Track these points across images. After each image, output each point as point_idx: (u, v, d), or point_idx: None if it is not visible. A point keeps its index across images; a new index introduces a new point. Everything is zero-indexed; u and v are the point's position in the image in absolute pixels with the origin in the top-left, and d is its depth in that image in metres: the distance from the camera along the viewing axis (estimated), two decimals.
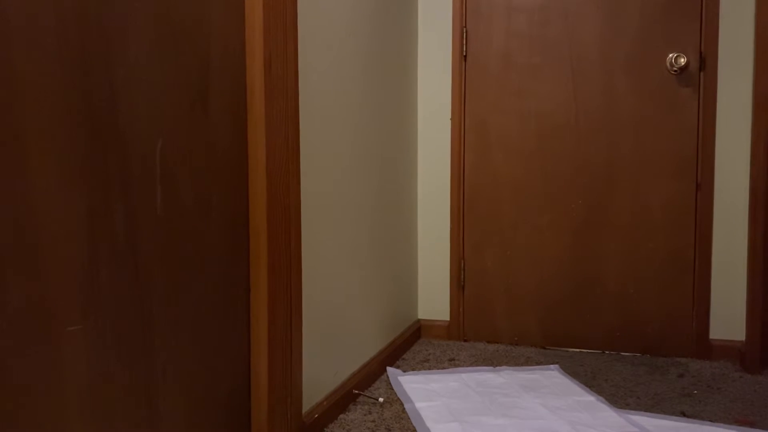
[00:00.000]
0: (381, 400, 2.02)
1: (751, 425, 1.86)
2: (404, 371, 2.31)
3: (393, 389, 2.11)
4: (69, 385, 1.02)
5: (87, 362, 1.05)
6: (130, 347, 1.15)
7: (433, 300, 2.79)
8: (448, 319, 2.76)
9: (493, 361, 2.44)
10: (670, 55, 2.45)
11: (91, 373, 1.06)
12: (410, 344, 2.64)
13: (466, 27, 2.68)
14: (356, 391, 2.01)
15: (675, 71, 2.46)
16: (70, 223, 1.02)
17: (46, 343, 0.98)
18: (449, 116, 2.71)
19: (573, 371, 2.33)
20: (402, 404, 1.98)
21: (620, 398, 2.06)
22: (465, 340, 2.74)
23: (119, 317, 1.12)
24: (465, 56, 2.69)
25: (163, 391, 1.24)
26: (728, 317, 2.44)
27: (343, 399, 1.93)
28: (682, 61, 2.41)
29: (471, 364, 2.41)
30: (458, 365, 2.40)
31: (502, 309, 2.70)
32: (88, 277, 1.05)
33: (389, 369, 2.29)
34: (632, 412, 1.93)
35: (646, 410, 1.96)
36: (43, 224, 0.97)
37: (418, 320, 2.79)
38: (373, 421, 1.87)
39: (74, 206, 1.03)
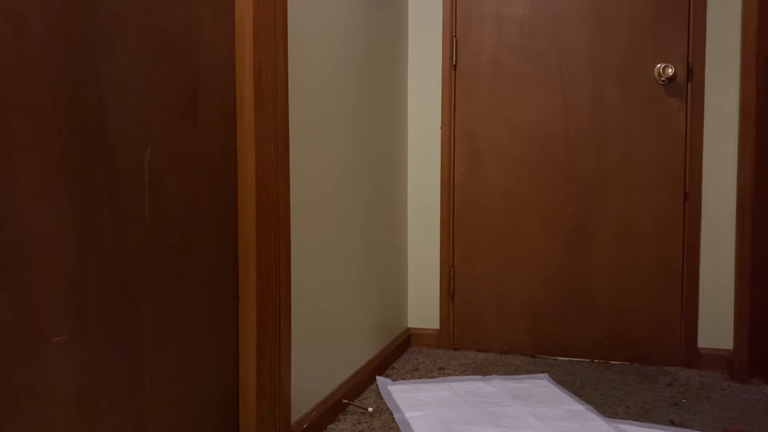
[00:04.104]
0: (370, 409, 2.01)
1: None
2: (394, 380, 2.31)
3: (382, 398, 2.11)
4: (55, 396, 1.01)
5: (73, 373, 1.04)
6: (117, 357, 1.14)
7: (423, 309, 2.79)
8: (437, 327, 2.76)
9: (482, 370, 2.44)
10: (658, 66, 2.48)
11: (77, 384, 1.05)
12: (400, 353, 2.63)
13: (455, 36, 2.69)
14: (345, 401, 2.00)
15: (663, 81, 2.48)
16: (56, 232, 1.01)
17: (32, 354, 0.97)
18: (439, 125, 2.72)
19: (562, 380, 2.33)
20: (391, 414, 1.98)
21: (609, 407, 2.07)
22: (455, 349, 2.74)
23: (106, 326, 1.11)
24: (455, 65, 2.70)
25: (151, 402, 1.23)
26: (716, 326, 2.46)
27: (333, 409, 1.92)
28: (670, 71, 2.43)
29: (461, 373, 2.40)
30: (448, 374, 2.40)
31: (491, 317, 2.70)
32: (75, 287, 1.05)
33: (379, 378, 2.29)
34: (621, 421, 1.94)
35: (635, 419, 1.97)
36: (29, 233, 0.96)
37: (408, 329, 2.79)
38: (363, 431, 1.86)
39: (61, 215, 1.02)
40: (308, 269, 1.80)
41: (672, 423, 1.94)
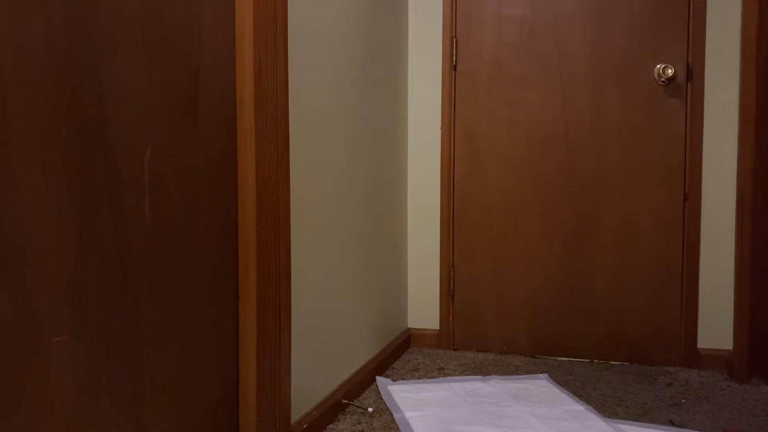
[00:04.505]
0: (370, 410, 2.01)
1: None
2: (394, 380, 2.31)
3: (382, 399, 2.11)
4: (55, 395, 1.01)
5: (73, 373, 1.05)
6: (116, 357, 1.14)
7: (423, 309, 2.79)
8: (437, 327, 2.76)
9: (482, 370, 2.44)
10: (658, 66, 2.48)
11: (77, 384, 1.05)
12: (400, 353, 2.64)
13: (456, 36, 2.70)
14: (345, 401, 2.01)
15: (663, 82, 2.48)
16: (57, 233, 1.01)
17: (32, 354, 0.97)
18: (439, 125, 2.72)
19: (562, 380, 2.33)
20: (391, 414, 1.98)
21: (609, 407, 2.07)
22: (455, 349, 2.74)
23: (106, 327, 1.12)
24: (455, 65, 2.70)
25: (150, 402, 1.23)
26: (716, 326, 2.46)
27: (332, 409, 1.92)
28: (670, 72, 2.43)
29: (460, 373, 2.41)
30: (448, 374, 2.40)
31: (491, 318, 2.70)
32: (75, 287, 1.05)
33: (379, 378, 2.29)
34: (621, 421, 1.94)
35: (634, 419, 1.97)
36: (29, 233, 0.97)
37: (408, 329, 2.79)
38: (363, 431, 1.86)
39: (61, 215, 1.02)
40: (308, 269, 1.80)
41: (672, 423, 1.94)
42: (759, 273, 2.35)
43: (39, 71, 0.98)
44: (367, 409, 2.01)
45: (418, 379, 2.34)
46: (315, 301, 1.85)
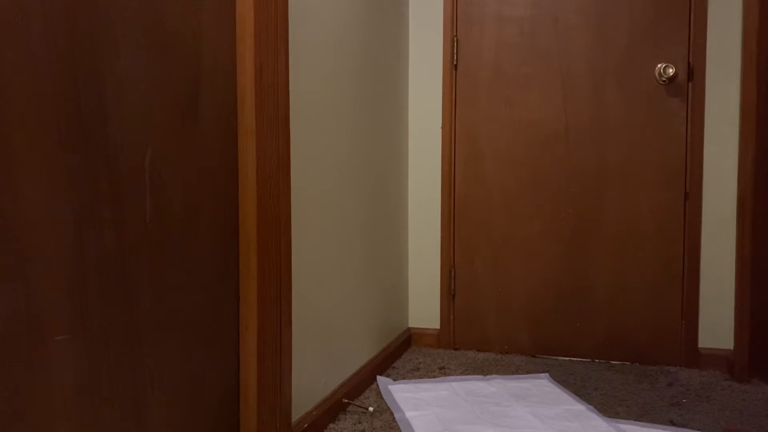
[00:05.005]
0: (371, 409, 2.01)
1: None
2: (394, 380, 2.31)
3: (383, 398, 2.11)
4: (56, 394, 1.01)
5: (74, 372, 1.05)
6: (118, 357, 1.14)
7: (424, 308, 2.79)
8: (438, 327, 2.76)
9: (483, 370, 2.44)
10: (659, 66, 2.48)
11: (78, 383, 1.06)
12: (401, 353, 2.64)
13: (456, 36, 2.70)
14: (346, 401, 2.01)
15: (664, 81, 2.48)
16: (58, 232, 1.01)
17: (34, 353, 0.97)
18: (440, 125, 2.72)
19: (563, 380, 2.34)
20: (392, 414, 1.98)
21: (610, 407, 2.07)
22: (455, 349, 2.74)
23: (107, 326, 1.12)
24: (455, 65, 2.70)
25: (151, 401, 1.23)
26: (717, 326, 2.46)
27: (333, 408, 1.92)
28: (671, 71, 2.43)
29: (461, 373, 2.41)
30: (448, 374, 2.40)
31: (492, 317, 2.70)
32: (77, 287, 1.05)
33: (379, 378, 2.29)
34: (622, 420, 1.94)
35: (635, 419, 1.97)
36: (31, 233, 0.97)
37: (409, 329, 2.79)
38: (363, 430, 1.86)
39: (63, 215, 1.02)
40: (309, 269, 1.80)
41: (672, 423, 1.94)
42: (760, 273, 2.35)
43: (39, 71, 0.98)
44: (367, 409, 2.01)
45: (419, 378, 2.34)
46: (316, 300, 1.85)
